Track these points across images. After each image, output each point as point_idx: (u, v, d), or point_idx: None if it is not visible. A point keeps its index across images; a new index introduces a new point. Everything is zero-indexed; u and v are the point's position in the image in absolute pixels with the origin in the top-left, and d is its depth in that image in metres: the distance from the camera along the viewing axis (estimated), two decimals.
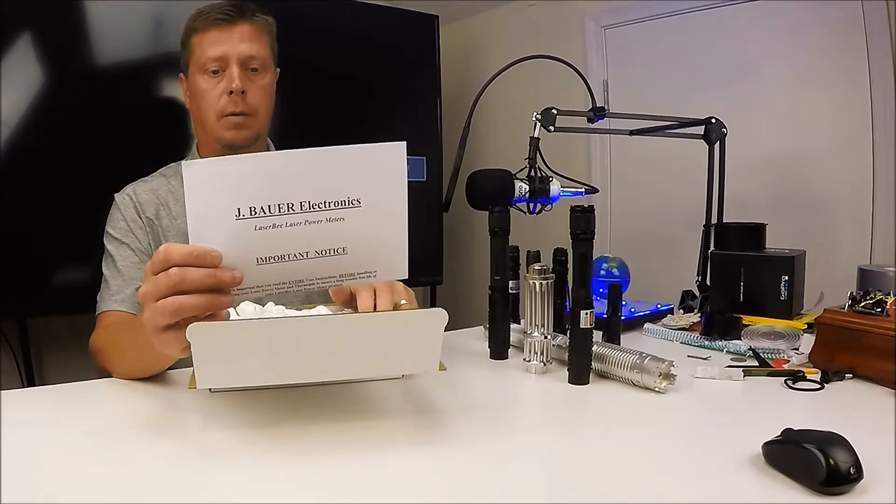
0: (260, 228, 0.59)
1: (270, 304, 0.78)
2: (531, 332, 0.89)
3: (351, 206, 0.61)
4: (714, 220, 1.21)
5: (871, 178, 1.75)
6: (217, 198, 0.58)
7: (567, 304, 0.99)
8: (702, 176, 1.22)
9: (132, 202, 1.05)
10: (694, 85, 2.07)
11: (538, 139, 1.11)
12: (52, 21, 1.77)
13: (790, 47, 1.87)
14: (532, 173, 1.09)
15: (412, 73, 2.50)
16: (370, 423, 0.70)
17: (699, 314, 1.15)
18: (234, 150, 1.02)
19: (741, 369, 0.87)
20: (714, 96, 1.99)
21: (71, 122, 1.81)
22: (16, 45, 1.73)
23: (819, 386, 0.81)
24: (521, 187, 1.07)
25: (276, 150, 1.02)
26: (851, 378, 0.84)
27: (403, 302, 0.75)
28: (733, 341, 1.01)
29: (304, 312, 0.79)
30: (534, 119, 1.13)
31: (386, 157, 0.61)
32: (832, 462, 0.51)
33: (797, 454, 0.54)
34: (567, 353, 0.85)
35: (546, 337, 0.89)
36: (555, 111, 1.13)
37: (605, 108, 1.20)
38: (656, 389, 0.79)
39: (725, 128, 1.20)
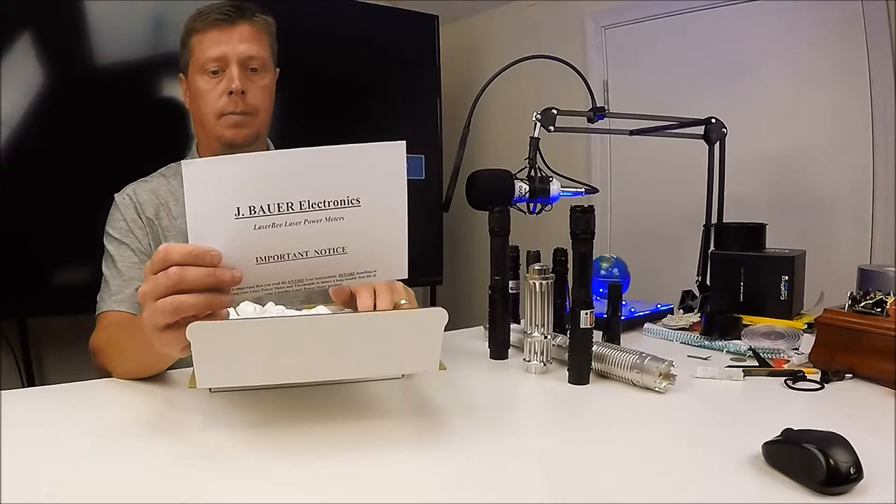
0: (259, 228, 0.59)
1: (270, 304, 0.78)
2: (531, 332, 0.89)
3: (350, 205, 0.61)
4: (714, 220, 1.21)
5: (871, 178, 1.74)
6: (217, 197, 0.58)
7: (567, 304, 0.99)
8: (702, 176, 1.22)
9: (132, 202, 1.05)
10: (694, 85, 2.07)
11: (538, 139, 1.11)
12: (52, 21, 1.77)
13: (790, 47, 1.87)
14: (532, 173, 1.09)
15: (412, 73, 2.50)
16: (370, 423, 0.70)
17: (699, 314, 1.15)
18: (234, 148, 1.02)
19: (741, 369, 0.87)
20: (714, 96, 1.99)
21: (71, 122, 1.81)
22: (16, 45, 1.73)
23: (819, 386, 0.81)
24: (521, 187, 1.07)
25: (276, 149, 1.02)
26: (851, 378, 0.83)
27: (403, 302, 0.75)
28: (733, 341, 1.01)
29: (304, 312, 0.79)
30: (534, 119, 1.13)
31: (385, 156, 0.61)
32: (832, 462, 0.51)
33: (797, 454, 0.54)
34: (567, 353, 0.85)
35: (546, 337, 0.89)
36: (555, 111, 1.13)
37: (605, 108, 1.20)
38: (656, 389, 0.79)
39: (725, 128, 1.20)
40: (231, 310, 0.68)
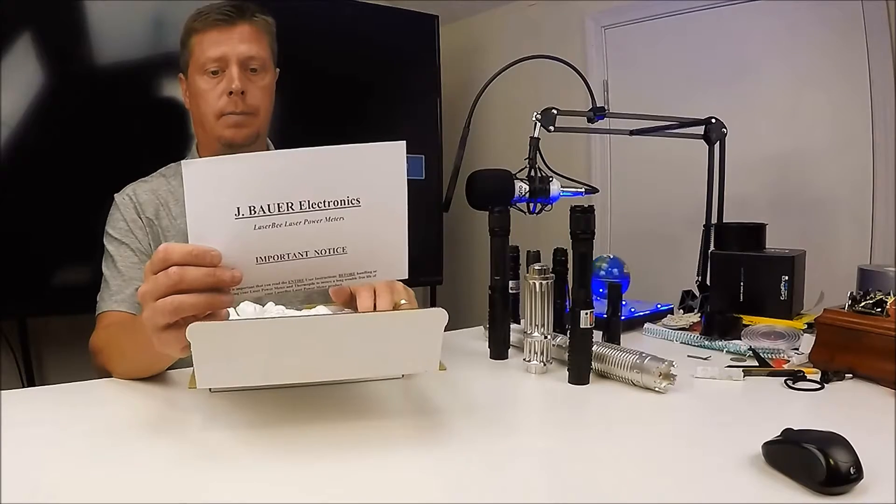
0: (259, 228, 0.59)
1: (270, 304, 0.78)
2: (531, 332, 0.89)
3: (350, 205, 0.61)
4: (714, 220, 1.21)
5: (871, 178, 1.74)
6: (216, 197, 0.58)
7: (567, 304, 0.99)
8: (702, 176, 1.22)
9: (132, 202, 1.05)
10: (694, 85, 2.07)
11: (538, 139, 1.11)
12: (52, 21, 1.77)
13: (790, 47, 1.87)
14: (532, 173, 1.09)
15: (412, 73, 2.50)
16: (370, 423, 0.70)
17: (699, 314, 1.15)
18: (234, 148, 1.03)
19: (741, 369, 0.87)
20: (714, 96, 1.99)
21: (71, 122, 1.81)
22: (16, 45, 1.73)
23: (819, 386, 0.81)
24: (521, 187, 1.07)
25: (276, 149, 1.02)
26: (851, 378, 0.83)
27: (403, 302, 0.75)
28: (733, 341, 1.01)
29: (304, 312, 0.79)
30: (534, 119, 1.13)
31: (385, 156, 0.61)
32: (832, 462, 0.51)
33: (797, 454, 0.54)
34: (567, 353, 0.85)
35: (546, 337, 0.89)
36: (555, 111, 1.13)
37: (605, 108, 1.20)
38: (656, 389, 0.79)
39: (725, 128, 1.20)
40: (231, 310, 0.67)
